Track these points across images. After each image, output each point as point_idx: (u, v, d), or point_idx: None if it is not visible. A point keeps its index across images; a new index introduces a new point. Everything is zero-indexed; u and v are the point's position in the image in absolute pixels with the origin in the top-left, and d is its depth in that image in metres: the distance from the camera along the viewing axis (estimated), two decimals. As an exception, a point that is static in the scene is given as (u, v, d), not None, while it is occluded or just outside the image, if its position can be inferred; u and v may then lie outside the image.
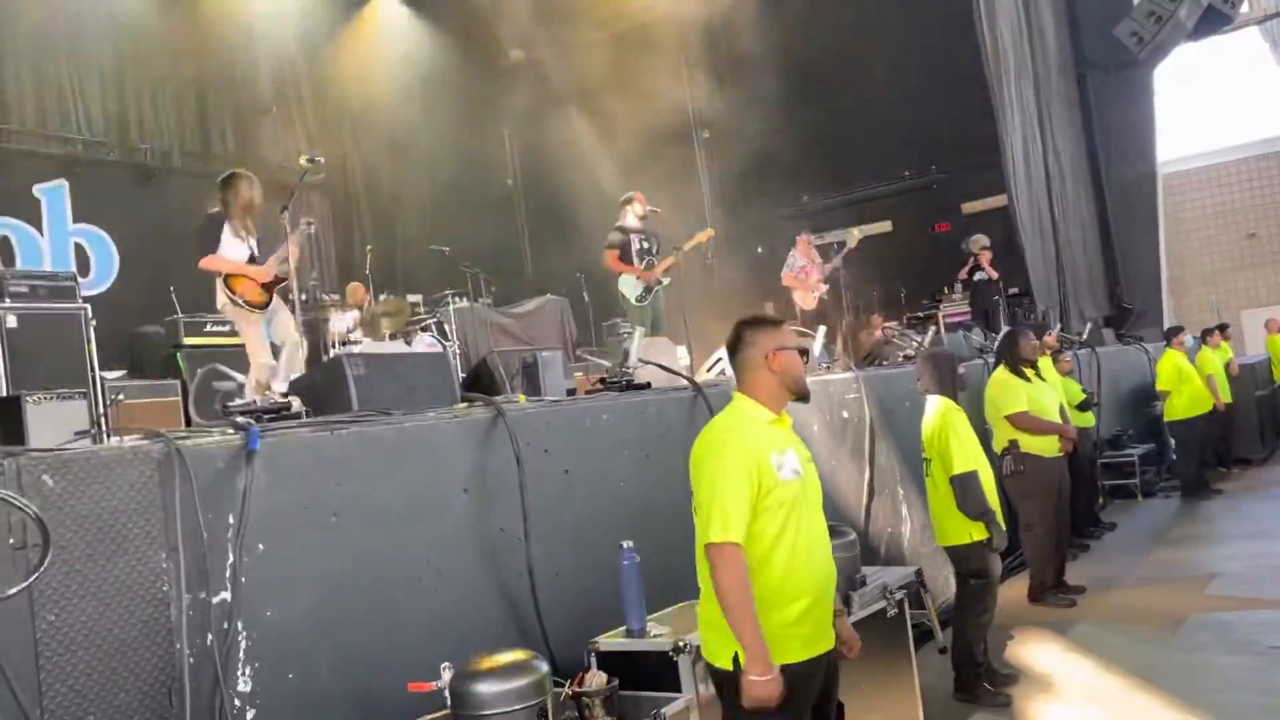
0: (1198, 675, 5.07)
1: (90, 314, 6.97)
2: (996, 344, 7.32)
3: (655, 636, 3.45)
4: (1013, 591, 6.74)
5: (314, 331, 8.85)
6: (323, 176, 12.79)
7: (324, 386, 3.94)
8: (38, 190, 10.84)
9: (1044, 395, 6.83)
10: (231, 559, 2.84)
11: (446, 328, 9.43)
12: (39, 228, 10.79)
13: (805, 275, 10.75)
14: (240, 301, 5.84)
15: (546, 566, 3.78)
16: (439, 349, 8.46)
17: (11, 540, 2.43)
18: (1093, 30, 13.13)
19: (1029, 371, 6.81)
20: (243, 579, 2.85)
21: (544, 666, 2.89)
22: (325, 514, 3.14)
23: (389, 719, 3.05)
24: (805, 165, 14.47)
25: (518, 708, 2.74)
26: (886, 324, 12.01)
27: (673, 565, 3.92)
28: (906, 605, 4.43)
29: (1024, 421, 6.55)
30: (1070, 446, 6.81)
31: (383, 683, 3.10)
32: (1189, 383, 10.07)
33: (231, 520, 2.87)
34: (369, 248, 11.35)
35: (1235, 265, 18.95)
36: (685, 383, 5.03)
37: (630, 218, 8.37)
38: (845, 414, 6.04)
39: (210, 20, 12.40)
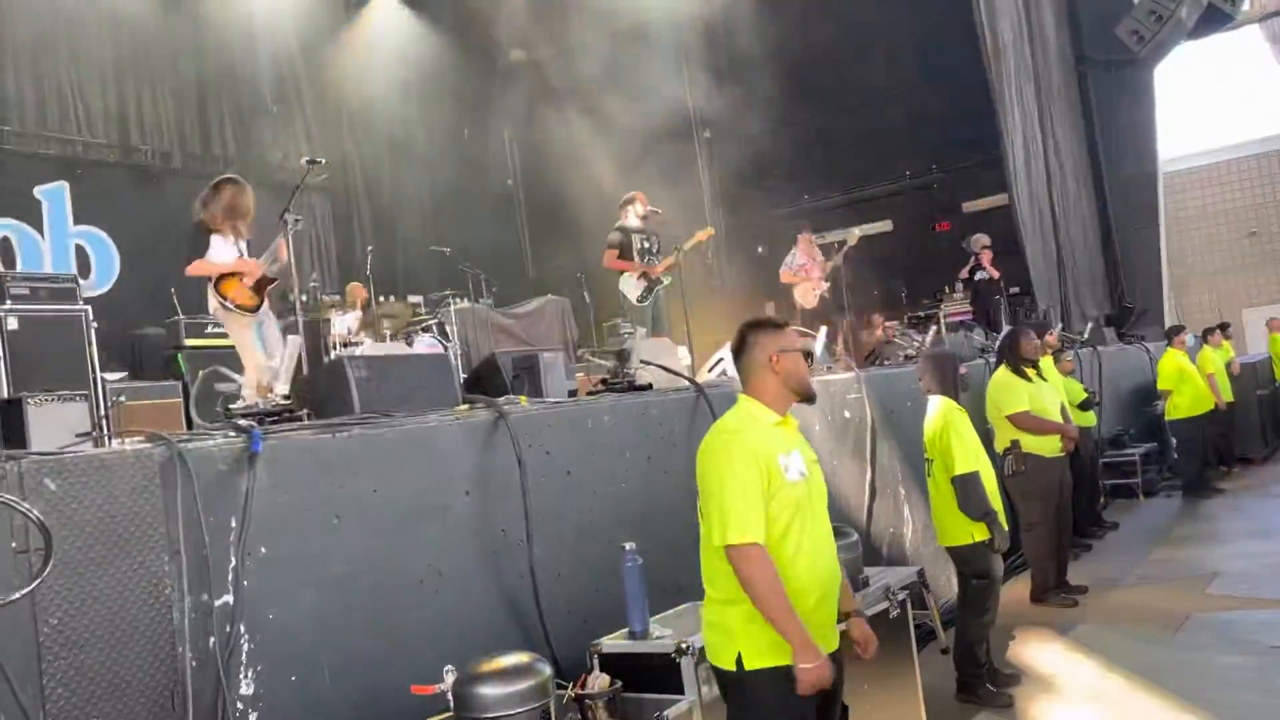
0: (1199, 675, 5.07)
1: (91, 316, 6.97)
2: (998, 343, 7.32)
3: (658, 638, 3.44)
4: (1014, 591, 6.73)
5: (314, 332, 8.85)
6: (324, 177, 12.76)
7: (326, 388, 3.94)
8: (38, 192, 10.83)
9: (1045, 395, 6.82)
10: (234, 562, 2.84)
11: (447, 328, 9.42)
12: (39, 229, 10.78)
13: (805, 273, 10.74)
14: (230, 305, 5.82)
15: (548, 568, 3.78)
16: (440, 350, 8.46)
17: (14, 544, 2.43)
18: (1093, 28, 13.12)
19: (1030, 371, 6.80)
20: (245, 582, 2.86)
21: (547, 669, 2.89)
22: (327, 516, 3.14)
23: (391, 721, 3.05)
24: (805, 164, 14.49)
25: (521, 710, 2.74)
26: (887, 323, 12.01)
27: (675, 567, 3.92)
28: (909, 606, 4.43)
29: (1025, 421, 6.54)
30: (1072, 446, 6.81)
31: (385, 685, 3.10)
32: (1190, 382, 10.07)
33: (234, 523, 2.87)
34: (369, 248, 11.34)
35: (1236, 264, 18.94)
36: (687, 383, 5.03)
37: (631, 218, 8.36)
38: (847, 414, 6.03)
39: (210, 21, 12.40)
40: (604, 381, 5.17)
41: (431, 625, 3.35)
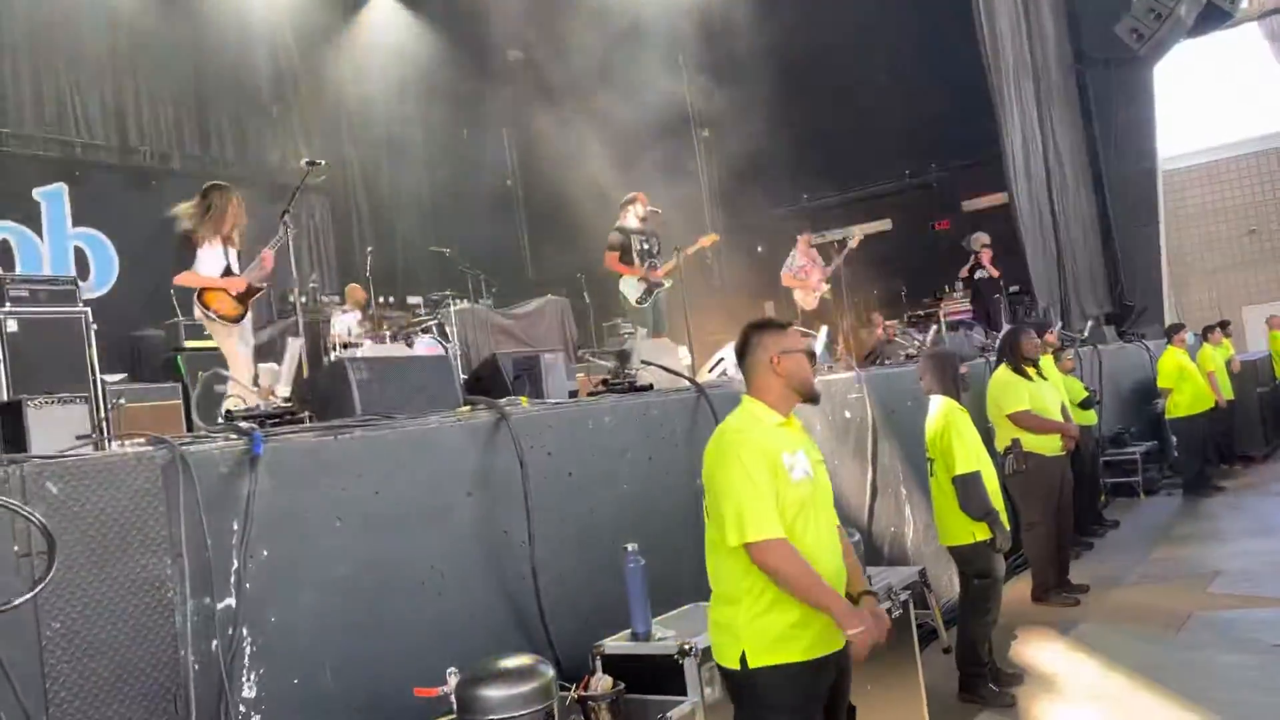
0: (1201, 674, 5.07)
1: (91, 318, 6.96)
2: (998, 342, 7.32)
3: (660, 639, 3.44)
4: (1016, 591, 6.73)
5: (314, 334, 8.84)
6: (322, 178, 12.76)
7: (327, 390, 3.93)
8: (37, 194, 10.82)
9: (1046, 394, 6.82)
10: (236, 564, 2.84)
11: (447, 329, 9.41)
12: (38, 231, 10.77)
13: (805, 275, 10.74)
14: (213, 315, 5.91)
15: (550, 569, 3.77)
16: (440, 351, 8.45)
17: (16, 548, 2.42)
18: (1092, 27, 13.11)
19: (1031, 370, 6.80)
20: (247, 584, 2.85)
21: (550, 670, 2.89)
22: (329, 518, 3.13)
23: (394, 724, 3.05)
24: (804, 164, 14.47)
25: (524, 712, 2.74)
26: (888, 322, 12.02)
27: (677, 567, 3.92)
28: (911, 605, 4.43)
29: (1026, 420, 6.54)
30: (1073, 445, 6.81)
31: (387, 687, 3.10)
32: (1190, 380, 10.07)
33: (235, 525, 2.86)
34: (369, 249, 11.34)
35: (1236, 262, 18.94)
36: (688, 384, 5.02)
37: (631, 218, 8.36)
38: (848, 414, 6.03)
39: (208, 23, 12.39)
40: (605, 382, 5.17)
41: (433, 627, 3.35)
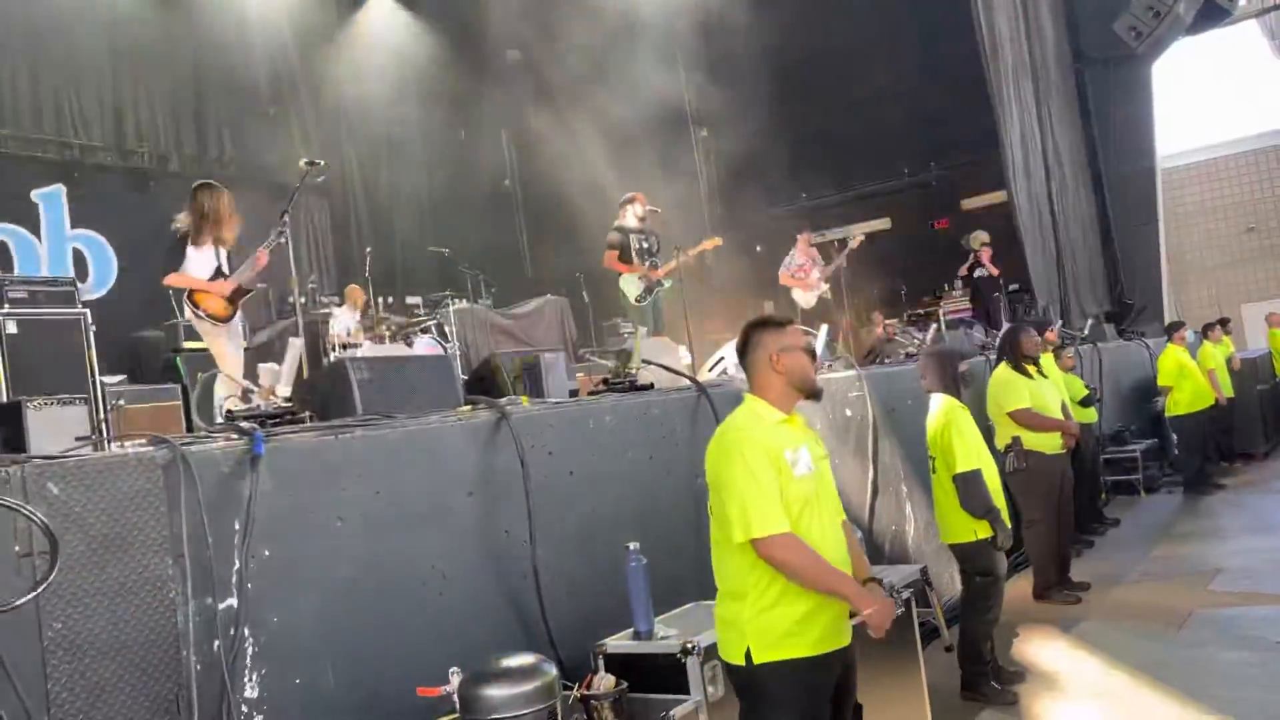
0: (1203, 671, 5.07)
1: (90, 319, 6.95)
2: (998, 340, 7.32)
3: (662, 638, 3.44)
4: (1017, 589, 6.72)
5: (313, 334, 8.83)
6: (321, 179, 12.75)
7: (328, 390, 3.92)
8: (35, 195, 10.80)
9: (1046, 391, 6.82)
10: (237, 564, 2.84)
11: (446, 329, 9.41)
12: (36, 233, 10.75)
13: (804, 274, 10.74)
14: (202, 314, 5.94)
15: (551, 568, 3.77)
16: (439, 351, 8.45)
17: (17, 548, 2.41)
18: (1091, 25, 13.12)
19: (1031, 368, 6.80)
20: (249, 584, 2.85)
21: (553, 669, 2.88)
22: (330, 518, 3.13)
23: (397, 723, 3.04)
24: (803, 163, 14.47)
25: (527, 711, 2.74)
26: (887, 321, 12.01)
27: (678, 566, 3.92)
28: (913, 604, 4.42)
29: (1026, 418, 6.54)
30: (1073, 442, 6.82)
31: (390, 687, 3.10)
32: (1190, 378, 10.07)
33: (237, 525, 2.86)
34: (368, 250, 11.33)
35: (1235, 259, 18.96)
36: (688, 383, 5.02)
37: (630, 218, 8.35)
38: (848, 412, 6.03)
39: (206, 23, 12.36)
40: (605, 381, 5.17)
41: (435, 626, 3.34)
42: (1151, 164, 13.57)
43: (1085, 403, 8.72)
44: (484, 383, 5.07)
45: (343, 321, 9.47)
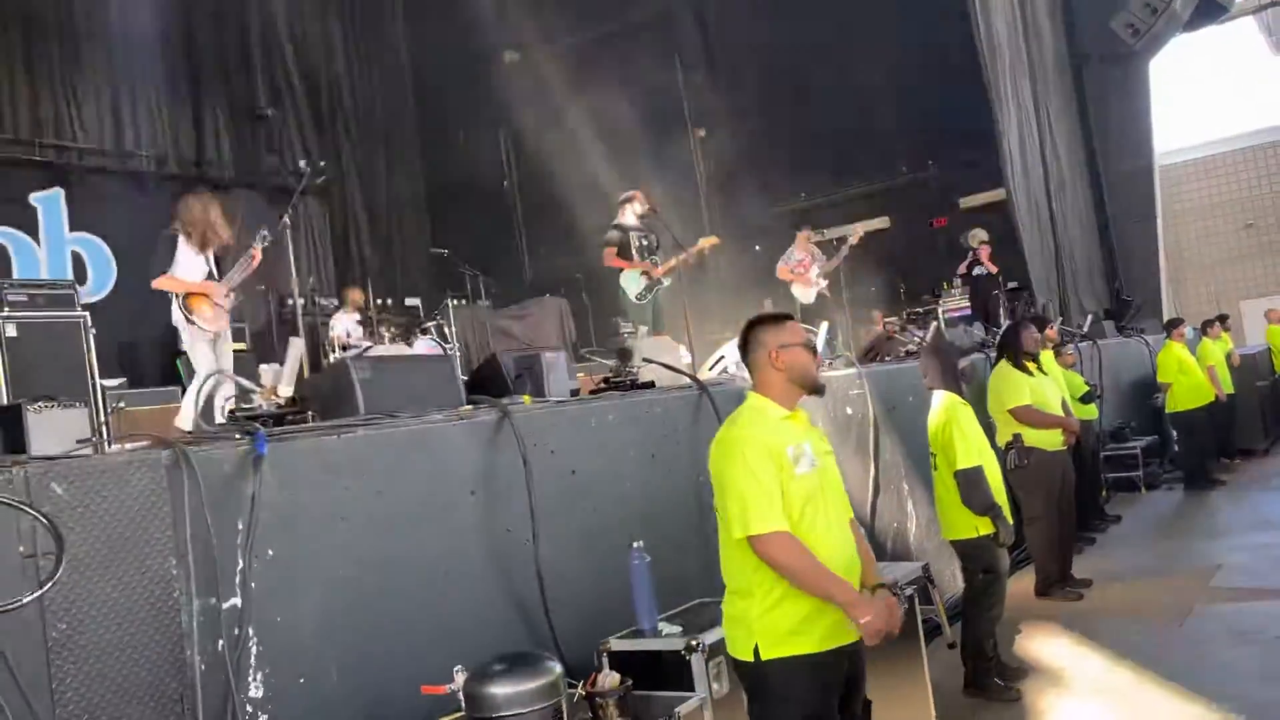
0: (1205, 666, 5.07)
1: (89, 322, 6.94)
2: (999, 338, 7.32)
3: (667, 636, 3.44)
4: (1020, 585, 6.72)
5: (313, 336, 8.83)
6: (320, 180, 12.74)
7: (330, 390, 3.92)
8: (34, 199, 10.80)
9: (1046, 388, 6.83)
10: (241, 564, 2.84)
11: (446, 330, 9.41)
12: (35, 237, 10.75)
13: (802, 269, 10.73)
14: (195, 320, 5.94)
15: (555, 567, 3.77)
16: (439, 352, 8.44)
17: (21, 549, 2.41)
18: (1088, 22, 13.13)
19: (1031, 365, 6.81)
20: (253, 584, 2.85)
21: (557, 667, 2.89)
22: (333, 518, 3.13)
23: (402, 722, 3.04)
24: (801, 162, 14.45)
25: (532, 709, 2.74)
26: (887, 319, 12.00)
27: (681, 564, 3.92)
28: (915, 601, 4.42)
29: (1027, 415, 6.54)
30: (1074, 439, 6.81)
31: (394, 685, 3.10)
32: (1190, 374, 10.08)
33: (240, 525, 2.86)
34: (367, 251, 11.33)
35: (1233, 256, 18.97)
36: (689, 381, 5.02)
37: (630, 216, 8.36)
38: (849, 410, 6.03)
39: (204, 25, 12.37)
40: (606, 380, 5.17)
41: (439, 625, 3.34)
42: (1149, 161, 13.57)
43: (1085, 399, 8.72)
44: (484, 383, 5.07)
45: (342, 324, 9.47)
